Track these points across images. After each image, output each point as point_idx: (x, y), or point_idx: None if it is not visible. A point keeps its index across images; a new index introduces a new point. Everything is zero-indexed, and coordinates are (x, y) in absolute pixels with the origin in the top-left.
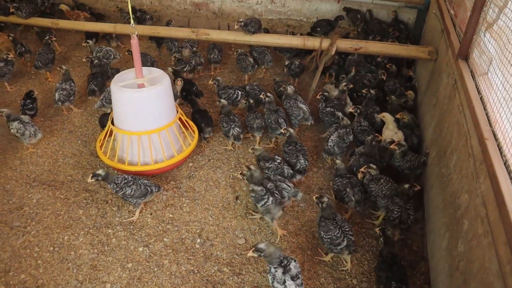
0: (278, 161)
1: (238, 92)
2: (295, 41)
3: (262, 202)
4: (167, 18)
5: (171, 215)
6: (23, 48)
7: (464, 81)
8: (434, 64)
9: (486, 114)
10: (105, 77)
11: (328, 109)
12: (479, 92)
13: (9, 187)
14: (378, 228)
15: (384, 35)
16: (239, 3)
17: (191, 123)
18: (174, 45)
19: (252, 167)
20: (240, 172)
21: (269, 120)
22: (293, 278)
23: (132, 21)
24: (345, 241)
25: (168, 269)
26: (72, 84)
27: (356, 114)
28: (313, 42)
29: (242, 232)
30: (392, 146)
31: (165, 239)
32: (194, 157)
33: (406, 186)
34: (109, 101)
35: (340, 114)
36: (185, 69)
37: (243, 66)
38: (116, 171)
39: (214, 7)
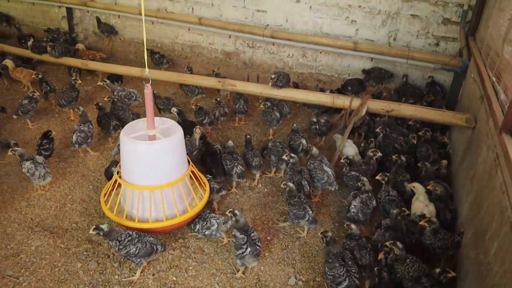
0: None
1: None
2: (324, 99)
3: (240, 251)
4: (198, 65)
5: (174, 278)
6: (48, 87)
7: (509, 158)
8: (472, 133)
9: None
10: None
11: (352, 173)
12: None
13: (10, 230)
14: None
15: (418, 98)
16: (270, 55)
17: (201, 175)
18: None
19: (237, 212)
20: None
21: (292, 181)
22: None
23: (146, 69)
24: (347, 281)
25: None
26: (91, 126)
27: (383, 182)
28: (343, 101)
29: None
30: (422, 223)
31: None
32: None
33: (438, 270)
34: None
35: (365, 179)
36: (204, 121)
37: (269, 119)
38: (122, 228)
39: (245, 57)
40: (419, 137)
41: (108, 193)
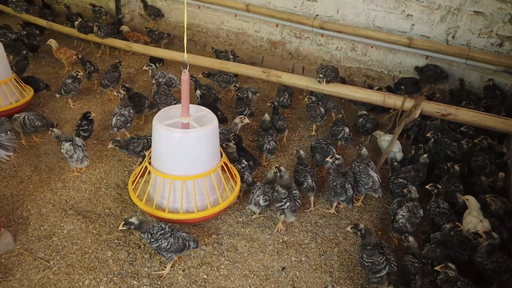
0: None
1: None
2: (374, 97)
3: (280, 204)
4: (242, 53)
5: (205, 276)
6: (92, 67)
7: None
8: None
9: None
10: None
11: (400, 180)
12: None
13: (45, 211)
14: None
15: (474, 102)
16: (317, 47)
17: (232, 167)
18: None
19: (282, 168)
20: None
21: (334, 183)
22: None
23: (185, 54)
24: (387, 268)
25: None
26: (131, 110)
27: (433, 193)
28: (394, 101)
29: None
30: (482, 239)
31: None
32: (243, 210)
33: None
34: None
35: (413, 188)
36: (244, 113)
37: (313, 115)
38: (152, 218)
39: (291, 47)
40: (475, 144)
41: (136, 180)
